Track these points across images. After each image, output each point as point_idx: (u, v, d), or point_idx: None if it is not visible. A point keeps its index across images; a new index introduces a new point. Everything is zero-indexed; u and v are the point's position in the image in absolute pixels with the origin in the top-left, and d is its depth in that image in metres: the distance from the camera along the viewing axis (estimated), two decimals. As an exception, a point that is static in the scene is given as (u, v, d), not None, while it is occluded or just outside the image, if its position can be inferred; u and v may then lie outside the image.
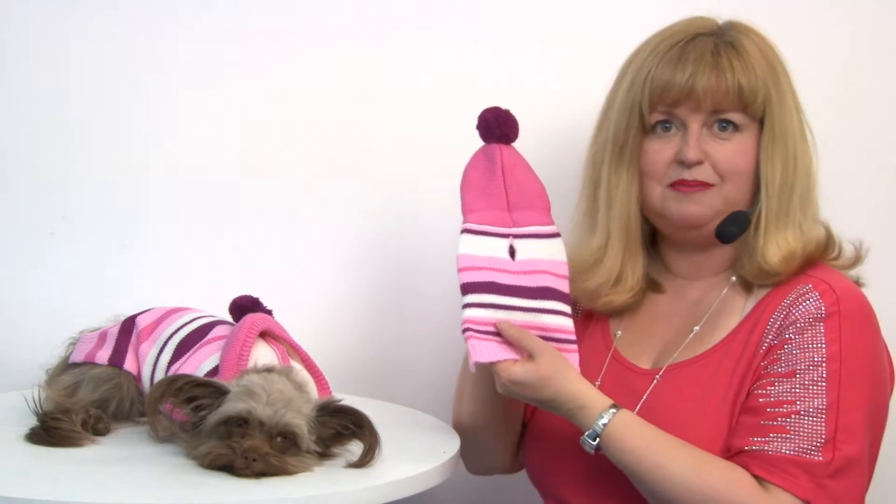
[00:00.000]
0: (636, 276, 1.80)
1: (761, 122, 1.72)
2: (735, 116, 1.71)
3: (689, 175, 1.71)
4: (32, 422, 1.64)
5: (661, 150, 1.74)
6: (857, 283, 1.75)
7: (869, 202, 2.15)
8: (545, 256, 1.74)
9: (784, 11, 2.13)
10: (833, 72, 2.16)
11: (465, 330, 1.66)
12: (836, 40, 2.17)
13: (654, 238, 1.85)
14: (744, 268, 1.73)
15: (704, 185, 1.71)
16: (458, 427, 1.85)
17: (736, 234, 1.72)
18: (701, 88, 1.69)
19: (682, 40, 1.73)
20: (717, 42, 1.72)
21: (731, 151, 1.71)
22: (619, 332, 1.83)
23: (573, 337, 1.70)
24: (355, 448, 1.58)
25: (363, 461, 1.56)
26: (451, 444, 1.74)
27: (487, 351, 1.65)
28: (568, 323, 1.71)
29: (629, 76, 1.76)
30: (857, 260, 1.76)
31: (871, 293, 1.73)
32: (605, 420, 1.62)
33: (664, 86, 1.71)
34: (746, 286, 1.75)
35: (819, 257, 1.72)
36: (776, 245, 1.70)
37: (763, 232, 1.71)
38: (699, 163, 1.71)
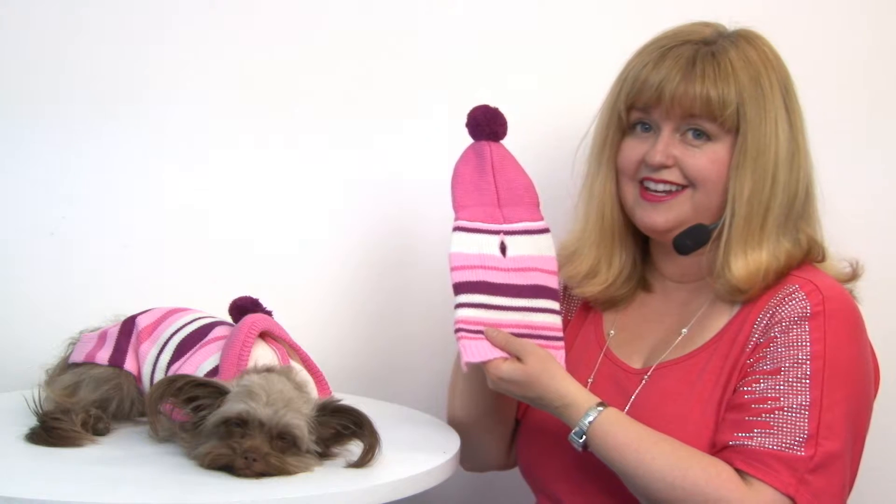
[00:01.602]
0: (613, 271, 1.82)
1: (738, 135, 1.71)
2: (706, 125, 1.71)
3: (658, 174, 1.73)
4: (32, 422, 1.64)
5: (634, 148, 1.76)
6: (851, 294, 1.75)
7: (865, 210, 2.15)
8: (535, 253, 1.76)
9: (782, 18, 2.14)
10: (832, 73, 2.17)
11: (457, 330, 1.69)
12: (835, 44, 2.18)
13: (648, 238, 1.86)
14: (715, 283, 1.72)
15: (675, 191, 1.72)
16: (452, 422, 1.87)
17: (691, 247, 1.73)
18: (669, 94, 1.71)
19: (668, 45, 1.75)
20: (699, 50, 1.72)
21: (701, 159, 1.72)
22: (612, 332, 1.84)
23: (560, 334, 1.73)
24: (355, 448, 1.58)
25: (363, 461, 1.56)
26: (451, 444, 1.74)
27: (478, 350, 1.67)
28: (556, 320, 1.74)
29: (619, 75, 1.80)
30: (853, 276, 1.77)
31: (868, 299, 1.73)
32: (591, 418, 1.64)
33: (638, 87, 1.74)
34: None
35: (799, 263, 1.72)
36: (744, 261, 1.69)
37: (725, 247, 1.71)
38: (665, 167, 1.72)
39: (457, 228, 1.75)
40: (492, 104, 1.79)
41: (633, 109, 1.76)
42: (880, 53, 2.21)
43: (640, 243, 1.85)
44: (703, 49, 1.73)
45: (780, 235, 1.71)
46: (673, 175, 1.73)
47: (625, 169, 1.77)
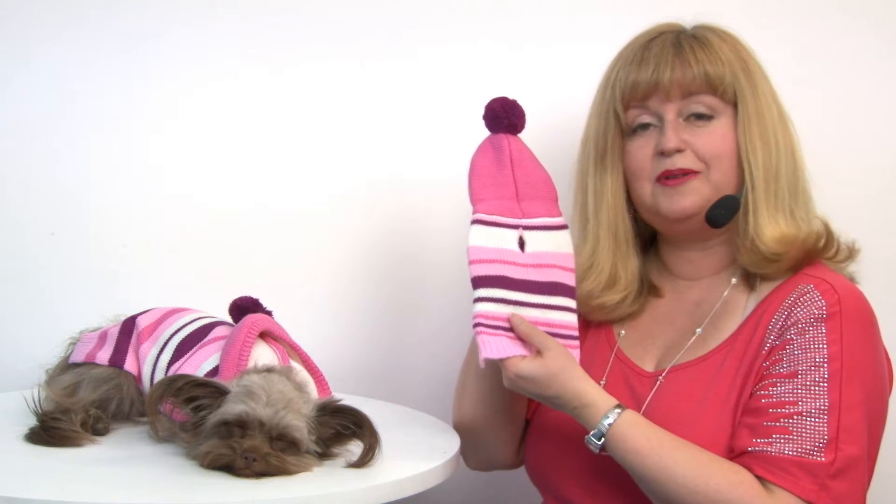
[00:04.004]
0: (629, 276, 1.81)
1: (736, 108, 1.74)
2: (707, 100, 1.73)
3: (672, 164, 1.73)
4: (32, 422, 1.64)
5: (642, 147, 1.76)
6: (852, 279, 1.76)
7: (864, 200, 2.15)
8: (553, 249, 1.74)
9: (778, 11, 2.14)
10: (826, 71, 2.17)
11: (475, 325, 1.66)
12: (829, 40, 2.18)
13: (653, 241, 1.86)
14: (742, 256, 1.73)
15: (690, 173, 1.73)
16: (460, 421, 1.86)
17: (726, 216, 1.73)
18: (666, 80, 1.73)
19: (647, 38, 1.77)
20: (680, 36, 1.76)
21: (710, 136, 1.73)
22: (623, 332, 1.84)
23: (576, 333, 1.71)
24: (355, 448, 1.58)
25: (363, 461, 1.56)
26: (451, 444, 1.74)
27: (497, 347, 1.64)
28: (573, 319, 1.72)
29: (603, 84, 1.81)
30: (850, 256, 1.77)
31: (866, 291, 1.73)
32: (610, 420, 1.62)
33: (632, 84, 1.75)
34: (748, 285, 1.75)
35: (819, 254, 1.73)
36: (769, 226, 1.70)
37: (753, 213, 1.71)
38: (679, 150, 1.73)
39: (475, 221, 1.72)
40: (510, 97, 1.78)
41: (631, 106, 1.76)
42: (878, 52, 2.21)
43: (642, 254, 1.85)
44: (682, 34, 1.77)
45: (793, 205, 1.73)
46: (688, 161, 1.73)
47: (638, 170, 1.77)
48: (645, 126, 1.76)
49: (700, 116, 1.73)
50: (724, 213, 1.72)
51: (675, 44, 1.75)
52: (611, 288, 1.81)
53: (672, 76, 1.72)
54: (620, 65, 1.78)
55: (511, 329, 1.66)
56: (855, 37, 2.19)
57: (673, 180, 1.73)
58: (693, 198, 1.73)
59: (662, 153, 1.73)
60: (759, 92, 1.74)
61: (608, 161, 1.79)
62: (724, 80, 1.72)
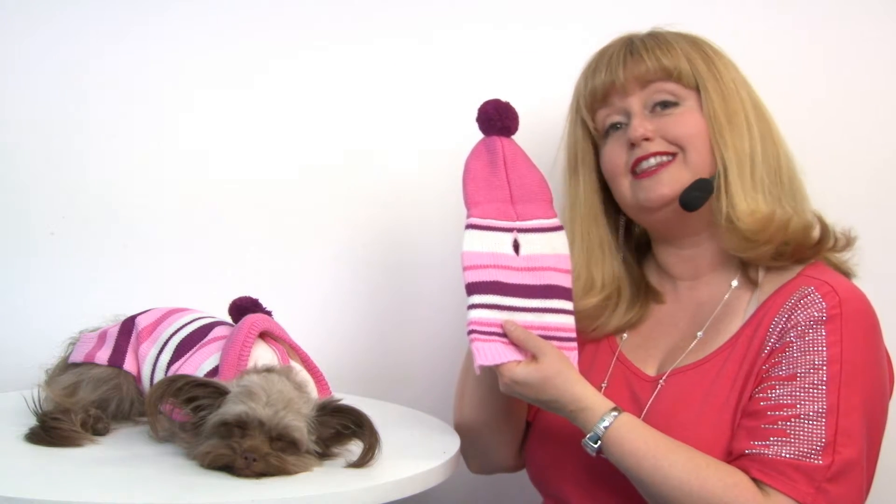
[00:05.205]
0: (605, 278, 1.82)
1: (699, 93, 1.75)
2: (668, 86, 1.75)
3: (644, 150, 1.74)
4: (32, 422, 1.64)
5: (614, 146, 1.78)
6: (849, 273, 1.76)
7: (858, 198, 2.15)
8: (549, 251, 1.74)
9: (774, 12, 2.14)
10: (820, 72, 2.17)
11: (469, 332, 1.66)
12: (823, 41, 2.19)
13: (649, 246, 1.86)
14: (724, 241, 1.73)
15: (667, 161, 1.73)
16: (461, 425, 1.86)
17: (701, 198, 1.72)
18: (621, 76, 1.75)
19: (602, 50, 1.80)
20: (634, 38, 1.79)
21: (679, 119, 1.74)
22: (625, 336, 1.84)
23: (573, 335, 1.71)
24: (355, 448, 1.58)
25: (363, 461, 1.56)
26: (451, 444, 1.74)
27: (491, 353, 1.64)
28: (569, 321, 1.71)
29: (572, 95, 1.84)
30: (848, 245, 1.77)
31: (864, 287, 1.73)
32: (606, 423, 1.62)
33: (591, 90, 1.78)
34: (749, 287, 1.75)
35: (817, 247, 1.72)
36: (744, 202, 1.70)
37: (726, 193, 1.71)
38: (647, 139, 1.74)
39: (469, 226, 1.73)
40: (503, 99, 1.78)
41: (597, 109, 1.79)
42: (877, 48, 2.21)
43: (637, 264, 1.85)
44: (636, 36, 1.80)
45: (780, 193, 1.73)
46: (660, 145, 1.74)
47: (614, 168, 1.78)
48: (616, 126, 1.78)
49: (665, 105, 1.75)
50: (699, 194, 1.72)
51: (628, 44, 1.78)
52: (588, 292, 1.82)
53: (626, 72, 1.75)
54: (581, 76, 1.82)
55: (506, 335, 1.66)
56: (854, 30, 2.19)
57: (646, 172, 1.74)
58: (674, 184, 1.74)
59: (632, 144, 1.74)
60: (722, 77, 1.75)
61: (579, 170, 1.83)
62: (680, 66, 1.74)
